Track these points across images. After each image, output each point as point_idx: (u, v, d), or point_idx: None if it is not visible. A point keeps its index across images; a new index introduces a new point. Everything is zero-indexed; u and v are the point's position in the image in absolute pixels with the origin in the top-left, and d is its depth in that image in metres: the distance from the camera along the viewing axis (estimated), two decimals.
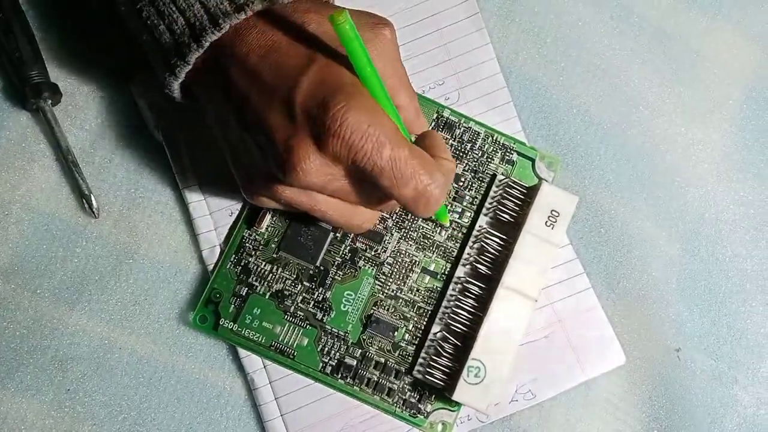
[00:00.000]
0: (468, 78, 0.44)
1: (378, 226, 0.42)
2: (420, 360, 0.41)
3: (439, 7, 0.45)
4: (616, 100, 0.45)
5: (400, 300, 0.42)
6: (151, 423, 0.41)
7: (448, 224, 0.42)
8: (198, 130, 0.42)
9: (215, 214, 0.43)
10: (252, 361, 0.41)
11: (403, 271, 0.42)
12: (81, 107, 0.44)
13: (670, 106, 0.46)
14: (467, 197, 0.43)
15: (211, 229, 0.42)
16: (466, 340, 0.40)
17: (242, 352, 0.41)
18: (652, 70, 0.46)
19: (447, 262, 0.42)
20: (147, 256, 0.43)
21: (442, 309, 0.41)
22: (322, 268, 0.42)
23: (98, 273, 0.42)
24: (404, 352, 0.41)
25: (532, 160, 0.43)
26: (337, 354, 0.41)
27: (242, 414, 0.41)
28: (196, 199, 0.43)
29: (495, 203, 0.42)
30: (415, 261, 0.42)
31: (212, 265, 0.42)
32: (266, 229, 0.42)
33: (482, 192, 0.43)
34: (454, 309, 0.41)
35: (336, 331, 0.41)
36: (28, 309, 0.42)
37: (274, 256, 0.42)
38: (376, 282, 0.42)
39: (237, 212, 0.43)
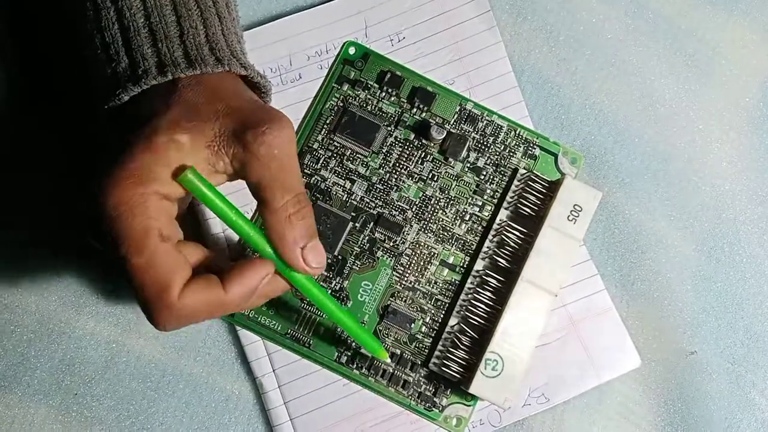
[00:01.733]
0: (479, 77, 0.44)
1: (397, 217, 0.42)
2: (436, 352, 0.40)
3: (449, 5, 0.44)
4: (631, 98, 0.45)
5: (418, 292, 0.41)
6: (160, 427, 0.41)
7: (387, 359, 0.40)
8: None
9: None
10: (261, 364, 0.41)
11: (422, 263, 0.42)
12: None
13: (686, 103, 0.45)
14: (488, 190, 0.42)
15: (219, 232, 0.42)
16: (483, 334, 0.40)
17: (251, 355, 0.41)
18: (667, 67, 0.45)
19: (466, 255, 0.42)
20: None
21: (459, 302, 0.41)
22: (340, 257, 0.42)
23: (105, 276, 0.42)
24: (421, 345, 0.41)
25: (555, 156, 0.43)
26: (354, 344, 0.41)
27: (251, 418, 0.41)
28: None
29: (516, 197, 0.42)
30: (434, 253, 0.42)
31: None
32: None
33: (503, 186, 0.42)
34: (472, 302, 0.40)
35: None
36: (35, 313, 0.42)
37: None
38: (394, 273, 0.42)
39: (247, 213, 0.42)
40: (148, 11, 0.35)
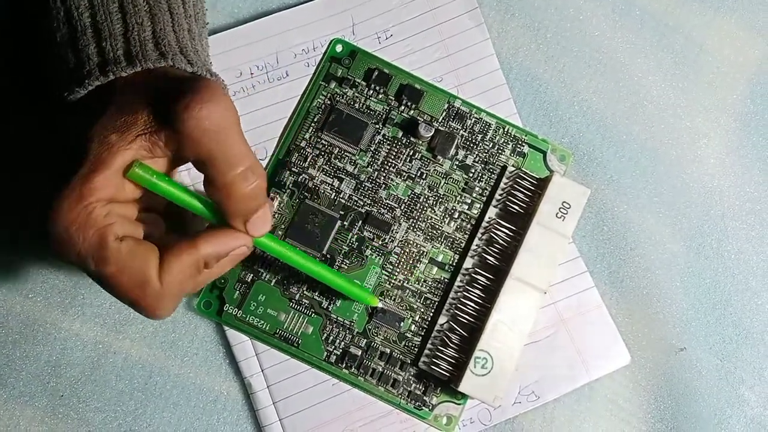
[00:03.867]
0: (467, 74, 0.44)
1: (386, 215, 0.42)
2: (426, 351, 0.40)
3: (437, 2, 0.44)
4: (619, 95, 0.45)
5: (407, 290, 0.41)
6: (147, 428, 0.40)
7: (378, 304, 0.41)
8: None
9: None
10: (249, 364, 0.41)
11: (411, 262, 0.42)
12: None
13: (673, 100, 0.45)
14: (477, 188, 0.42)
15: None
16: (473, 332, 0.40)
17: (239, 355, 0.41)
18: (655, 64, 0.45)
19: (455, 253, 0.42)
20: None
21: (449, 300, 0.41)
22: (328, 256, 0.41)
23: None
24: (410, 343, 0.41)
25: (544, 153, 0.43)
26: (342, 343, 0.41)
27: (240, 419, 0.41)
28: None
29: (505, 194, 0.42)
30: (423, 251, 0.42)
31: None
32: (273, 215, 0.42)
33: (492, 183, 0.42)
34: (461, 300, 0.40)
35: (341, 320, 0.41)
36: (20, 314, 0.41)
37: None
38: (383, 272, 0.41)
39: None
40: (94, 9, 0.34)
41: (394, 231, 0.42)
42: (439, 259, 0.42)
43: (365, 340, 0.41)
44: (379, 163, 0.42)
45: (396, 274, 0.41)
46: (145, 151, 0.32)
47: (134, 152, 0.31)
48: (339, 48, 0.43)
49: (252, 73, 0.43)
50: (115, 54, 0.34)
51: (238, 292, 0.41)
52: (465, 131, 0.43)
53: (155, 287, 0.31)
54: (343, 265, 0.41)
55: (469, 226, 0.42)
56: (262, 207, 0.33)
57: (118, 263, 0.30)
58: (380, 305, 0.41)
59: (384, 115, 0.43)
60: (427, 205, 0.42)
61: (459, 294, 0.41)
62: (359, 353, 0.41)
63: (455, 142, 0.42)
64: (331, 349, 0.41)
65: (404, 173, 0.42)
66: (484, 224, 0.41)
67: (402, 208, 0.42)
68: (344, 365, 0.41)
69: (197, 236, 0.33)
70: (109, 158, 0.31)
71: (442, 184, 0.42)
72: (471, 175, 0.42)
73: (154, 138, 0.31)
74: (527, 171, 0.42)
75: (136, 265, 0.31)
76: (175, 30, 0.36)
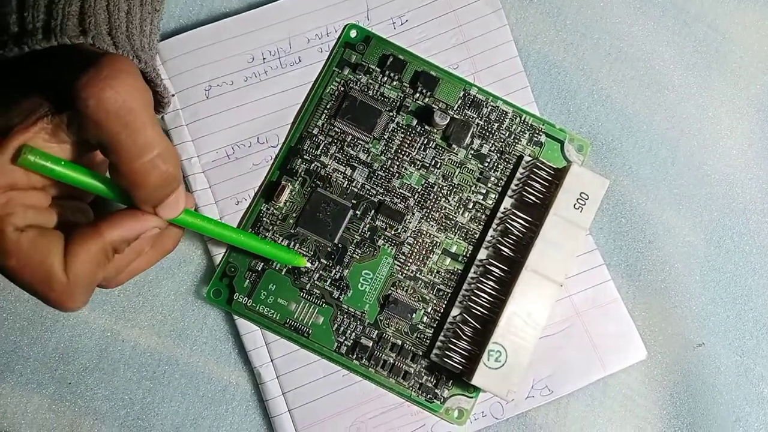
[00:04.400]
0: (484, 62, 0.43)
1: (399, 205, 0.41)
2: (438, 343, 0.40)
3: None
4: (640, 84, 0.44)
5: (420, 281, 0.41)
6: (155, 417, 0.40)
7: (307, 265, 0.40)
8: (203, 119, 0.42)
9: (221, 203, 0.41)
10: (259, 354, 0.40)
11: (424, 252, 0.41)
12: None
13: (695, 90, 0.44)
14: (492, 178, 0.42)
15: (216, 218, 0.41)
16: (486, 324, 0.39)
17: (249, 345, 0.40)
18: (676, 52, 0.44)
19: (469, 244, 0.41)
20: None
21: (462, 291, 0.40)
22: (340, 245, 0.41)
23: None
24: (422, 335, 0.40)
25: (561, 143, 0.42)
26: (353, 334, 0.40)
27: (248, 409, 0.40)
28: (201, 187, 0.41)
29: (521, 185, 0.41)
30: (436, 242, 0.41)
31: (218, 256, 0.41)
32: (284, 203, 0.41)
33: (508, 173, 0.42)
34: (475, 292, 0.40)
35: (352, 310, 0.40)
36: (28, 300, 0.41)
37: (292, 231, 0.41)
38: (396, 262, 0.41)
39: (243, 201, 0.41)
40: None
41: (407, 221, 0.41)
42: (453, 250, 0.41)
43: (376, 331, 0.40)
44: (392, 151, 0.42)
45: (408, 264, 0.41)
46: (47, 134, 0.29)
47: (32, 136, 0.29)
48: (353, 33, 0.43)
49: (264, 59, 0.42)
50: (35, 25, 0.31)
51: (248, 281, 0.40)
52: (481, 120, 0.42)
53: (61, 280, 0.29)
54: (354, 255, 0.41)
55: (483, 216, 0.41)
56: (174, 192, 0.31)
57: (19, 256, 0.29)
58: (308, 265, 0.40)
59: (398, 103, 0.42)
60: (441, 194, 0.41)
61: (472, 285, 0.40)
62: (370, 344, 0.40)
63: (471, 131, 0.42)
64: (342, 340, 0.40)
65: (418, 162, 0.41)
66: (499, 215, 0.41)
67: (415, 197, 0.41)
68: (355, 356, 0.40)
69: (101, 221, 0.31)
70: (4, 142, 0.29)
71: (456, 173, 0.41)
72: (486, 164, 0.42)
73: (57, 120, 0.29)
74: (544, 161, 0.41)
75: (37, 257, 0.29)
76: (109, 9, 0.33)
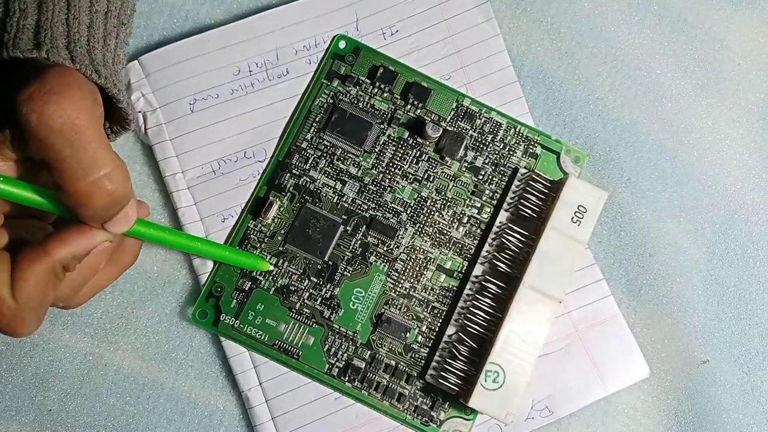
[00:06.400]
0: (476, 72, 0.42)
1: (391, 220, 0.40)
2: (433, 363, 0.39)
3: None
4: (636, 93, 0.43)
5: (413, 299, 0.40)
6: None
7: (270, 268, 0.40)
8: (188, 133, 0.41)
9: (206, 220, 0.40)
10: (247, 377, 0.39)
11: (417, 269, 0.40)
12: None
13: (694, 99, 0.43)
14: (487, 191, 0.41)
15: (201, 236, 0.40)
16: (483, 343, 0.38)
17: (236, 368, 0.39)
18: (673, 61, 0.43)
19: (464, 259, 0.40)
20: (133, 266, 0.40)
21: (458, 309, 0.39)
22: (330, 263, 0.40)
23: None
24: (417, 355, 0.39)
25: (557, 154, 0.41)
26: (345, 355, 0.39)
27: None
28: (185, 204, 0.40)
29: (517, 198, 0.40)
30: (430, 258, 0.40)
31: (204, 275, 0.40)
32: (272, 220, 0.40)
33: (503, 186, 0.41)
34: (470, 309, 0.39)
35: (344, 330, 0.39)
36: None
37: (280, 249, 0.40)
38: (388, 279, 0.40)
39: (229, 218, 0.40)
40: None
41: (399, 236, 0.40)
42: (448, 266, 0.40)
43: (369, 352, 0.39)
44: (384, 165, 0.41)
45: (402, 281, 0.40)
46: None
47: None
48: (342, 44, 0.42)
49: (251, 71, 0.41)
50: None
51: (235, 301, 0.39)
52: (474, 131, 0.41)
53: (9, 305, 0.28)
54: (346, 273, 0.40)
55: (478, 231, 0.40)
56: (121, 210, 0.30)
57: None
58: (271, 268, 0.39)
59: (389, 115, 0.41)
60: (434, 209, 0.40)
61: (468, 303, 0.39)
62: (363, 366, 0.39)
63: (464, 143, 0.41)
64: (334, 362, 0.39)
65: (410, 176, 0.40)
66: (494, 229, 0.40)
67: (408, 212, 0.40)
68: (347, 378, 0.39)
69: (48, 239, 0.29)
70: None
71: (450, 186, 0.40)
72: (481, 177, 0.41)
73: (0, 137, 0.28)
74: (540, 173, 0.40)
75: None
76: (69, 22, 0.32)
